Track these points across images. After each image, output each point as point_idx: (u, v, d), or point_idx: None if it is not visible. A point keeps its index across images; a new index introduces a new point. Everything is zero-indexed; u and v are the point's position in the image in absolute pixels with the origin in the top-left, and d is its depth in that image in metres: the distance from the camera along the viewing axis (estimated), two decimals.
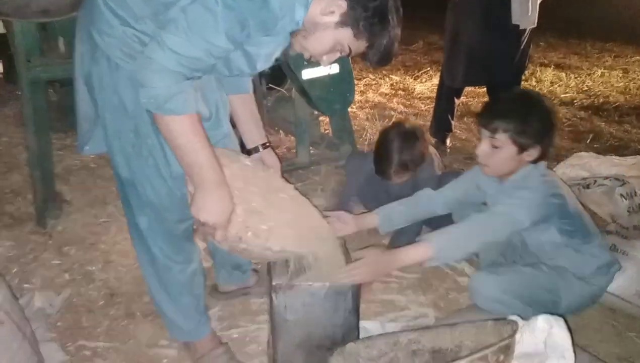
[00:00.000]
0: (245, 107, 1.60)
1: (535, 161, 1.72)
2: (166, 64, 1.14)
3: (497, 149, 1.69)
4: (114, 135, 1.38)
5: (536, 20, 3.10)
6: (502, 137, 1.66)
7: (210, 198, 1.27)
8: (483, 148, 1.71)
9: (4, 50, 3.95)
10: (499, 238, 1.70)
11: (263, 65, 1.35)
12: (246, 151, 1.64)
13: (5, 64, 4.09)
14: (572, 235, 1.74)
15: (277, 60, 2.48)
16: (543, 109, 1.69)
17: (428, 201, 1.92)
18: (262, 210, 1.41)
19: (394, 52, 1.32)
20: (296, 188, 1.57)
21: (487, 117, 1.71)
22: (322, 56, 1.32)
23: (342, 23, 1.24)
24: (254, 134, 1.63)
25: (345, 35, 1.26)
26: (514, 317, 1.36)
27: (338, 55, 1.32)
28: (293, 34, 1.27)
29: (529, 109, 1.67)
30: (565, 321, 1.29)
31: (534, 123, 1.65)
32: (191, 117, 1.21)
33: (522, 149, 1.67)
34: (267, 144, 1.65)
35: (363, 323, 1.74)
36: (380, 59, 1.31)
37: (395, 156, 2.17)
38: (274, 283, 1.48)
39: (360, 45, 1.29)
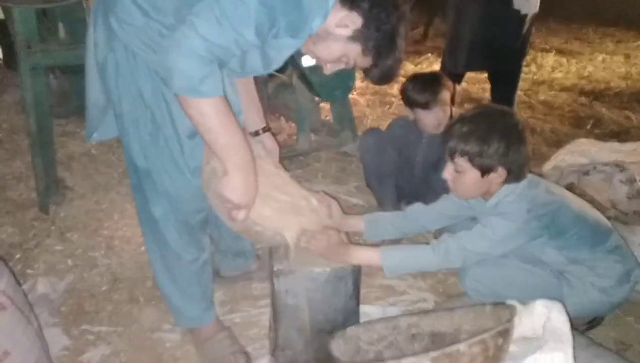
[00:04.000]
0: (245, 91, 1.59)
1: (509, 181, 1.60)
2: (196, 49, 1.14)
3: (460, 173, 1.59)
4: (131, 123, 1.38)
5: (538, 5, 3.08)
6: (461, 161, 1.57)
7: (244, 178, 1.29)
8: (447, 172, 1.62)
9: (3, 36, 3.94)
10: (459, 266, 1.64)
11: (276, 67, 1.37)
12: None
13: (5, 50, 4.07)
14: (576, 249, 1.63)
15: None
16: (504, 127, 1.56)
17: (418, 216, 1.83)
18: (275, 195, 1.43)
19: (395, 74, 1.35)
20: (293, 176, 1.59)
21: (444, 140, 1.61)
22: (327, 64, 1.35)
23: (353, 38, 1.27)
24: (254, 118, 1.63)
25: (354, 50, 1.29)
26: (512, 302, 1.38)
27: (342, 66, 1.35)
28: None
29: (487, 128, 1.55)
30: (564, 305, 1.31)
31: (493, 143, 1.53)
32: (222, 98, 1.22)
33: (484, 171, 1.57)
34: (267, 128, 1.66)
35: (363, 308, 1.76)
36: (381, 78, 1.35)
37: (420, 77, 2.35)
38: (275, 268, 1.50)
39: (365, 62, 1.32)
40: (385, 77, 1.35)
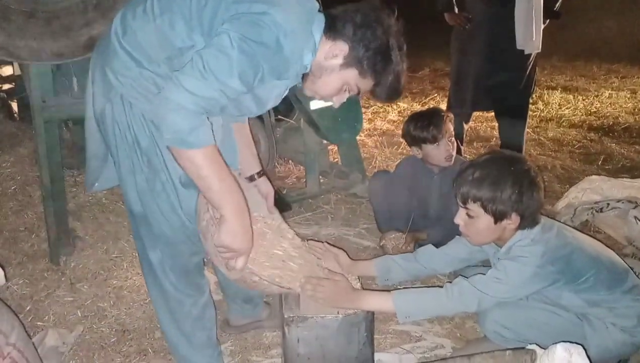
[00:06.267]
0: (240, 135, 1.61)
1: (523, 227, 1.58)
2: (183, 103, 1.17)
3: (472, 219, 1.58)
4: (127, 171, 1.41)
5: (540, 45, 3.12)
6: (473, 207, 1.56)
7: (240, 224, 1.29)
8: (459, 218, 1.61)
9: (18, 90, 4.07)
10: (474, 311, 1.62)
11: (272, 105, 1.40)
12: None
13: (20, 104, 4.18)
14: (593, 292, 1.60)
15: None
16: (516, 173, 1.55)
17: (429, 259, 1.83)
18: (269, 245, 1.42)
19: (400, 87, 1.36)
20: (302, 219, 1.60)
21: (456, 186, 1.60)
22: (332, 98, 1.37)
23: (346, 64, 1.30)
24: (249, 162, 1.65)
25: (351, 76, 1.32)
26: (532, 346, 1.33)
27: (347, 95, 1.37)
28: (303, 77, 1.33)
29: (500, 174, 1.55)
30: (585, 350, 1.26)
31: (505, 190, 1.52)
32: (213, 147, 1.24)
33: (498, 217, 1.55)
34: (262, 172, 1.67)
35: (378, 355, 1.71)
36: (387, 95, 1.36)
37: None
38: (286, 316, 1.47)
39: (367, 83, 1.34)
40: (392, 93, 1.37)
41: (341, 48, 1.29)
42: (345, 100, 1.39)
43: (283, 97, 1.40)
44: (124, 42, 1.30)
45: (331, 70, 1.31)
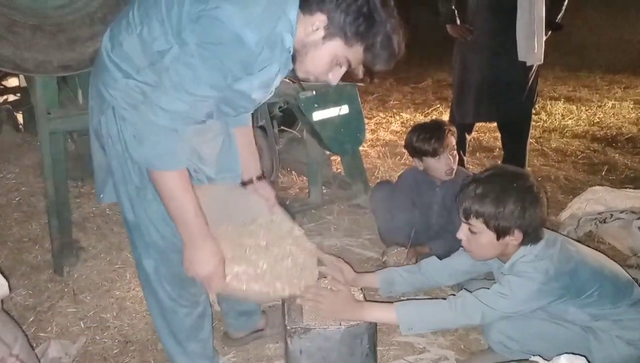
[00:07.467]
0: (242, 140, 1.61)
1: (526, 243, 1.57)
2: (160, 122, 1.20)
3: (475, 235, 1.57)
4: (120, 180, 1.43)
5: (542, 57, 3.13)
6: (476, 223, 1.55)
7: (200, 251, 1.32)
8: (462, 233, 1.60)
9: (24, 102, 4.10)
10: (477, 323, 1.60)
11: (261, 96, 1.36)
12: (241, 183, 1.65)
13: (25, 115, 4.22)
14: (598, 306, 1.59)
15: (287, 103, 2.52)
16: (519, 189, 1.54)
17: (432, 271, 1.82)
18: (259, 253, 1.43)
19: (394, 47, 1.25)
20: (305, 230, 1.59)
21: (459, 201, 1.59)
22: (327, 75, 1.30)
23: (329, 35, 1.24)
24: (249, 166, 1.65)
25: (337, 47, 1.25)
26: (536, 358, 1.32)
27: (340, 70, 1.30)
28: (293, 61, 1.28)
29: (502, 190, 1.53)
30: (588, 360, 1.25)
31: (508, 205, 1.51)
32: (181, 172, 1.28)
33: (500, 234, 1.54)
34: (261, 176, 1.67)
35: None
36: (382, 58, 1.26)
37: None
38: (288, 327, 1.47)
39: (356, 52, 1.25)
40: (386, 55, 1.25)
41: (319, 19, 1.22)
42: (340, 76, 1.31)
43: (273, 86, 1.36)
44: (113, 55, 1.32)
45: (315, 45, 1.24)
